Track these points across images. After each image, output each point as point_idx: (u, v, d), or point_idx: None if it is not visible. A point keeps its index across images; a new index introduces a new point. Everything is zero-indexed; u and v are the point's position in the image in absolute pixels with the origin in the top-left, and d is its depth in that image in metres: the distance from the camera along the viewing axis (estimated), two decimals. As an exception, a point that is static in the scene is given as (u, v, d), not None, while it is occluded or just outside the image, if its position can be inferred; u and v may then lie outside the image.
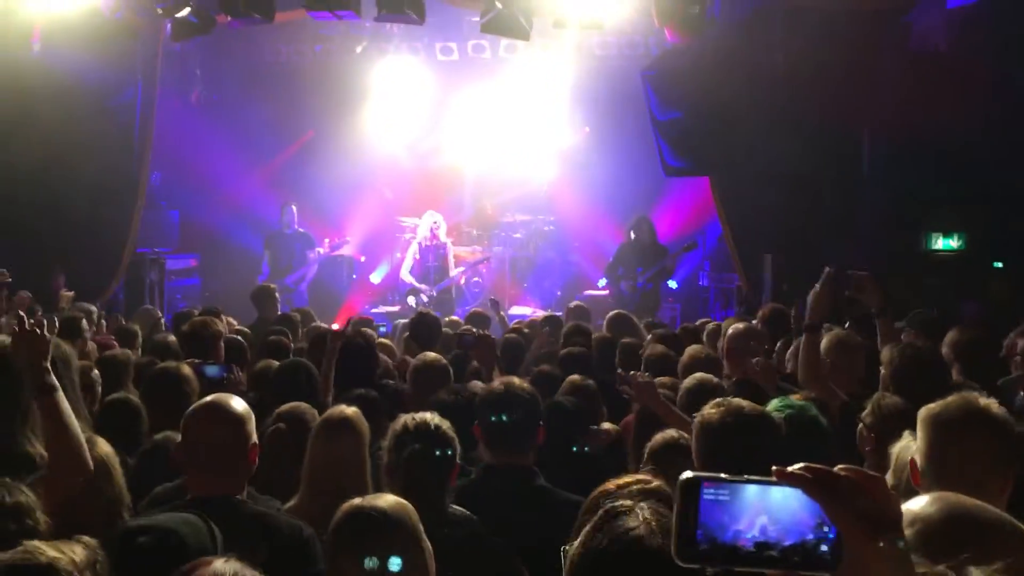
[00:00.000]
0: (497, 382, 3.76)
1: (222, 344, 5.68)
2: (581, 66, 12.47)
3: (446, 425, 3.14)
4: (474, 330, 6.35)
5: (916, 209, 9.59)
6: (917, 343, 4.43)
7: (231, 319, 7.67)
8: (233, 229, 13.13)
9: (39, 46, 9.62)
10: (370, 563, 2.12)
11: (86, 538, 1.91)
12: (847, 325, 5.66)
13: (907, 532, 1.20)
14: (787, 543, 1.16)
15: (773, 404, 3.38)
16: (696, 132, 10.17)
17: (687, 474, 1.21)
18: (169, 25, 9.83)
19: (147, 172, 10.62)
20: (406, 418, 3.16)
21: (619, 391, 4.50)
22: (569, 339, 6.28)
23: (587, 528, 1.68)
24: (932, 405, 2.54)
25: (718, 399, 2.88)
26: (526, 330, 7.39)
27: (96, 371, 4.79)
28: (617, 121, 12.52)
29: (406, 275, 11.90)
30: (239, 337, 6.31)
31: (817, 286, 4.61)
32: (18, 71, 9.44)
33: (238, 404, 2.96)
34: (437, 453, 3.05)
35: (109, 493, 3.00)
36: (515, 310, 12.17)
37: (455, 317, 9.11)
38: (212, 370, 4.87)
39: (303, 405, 3.86)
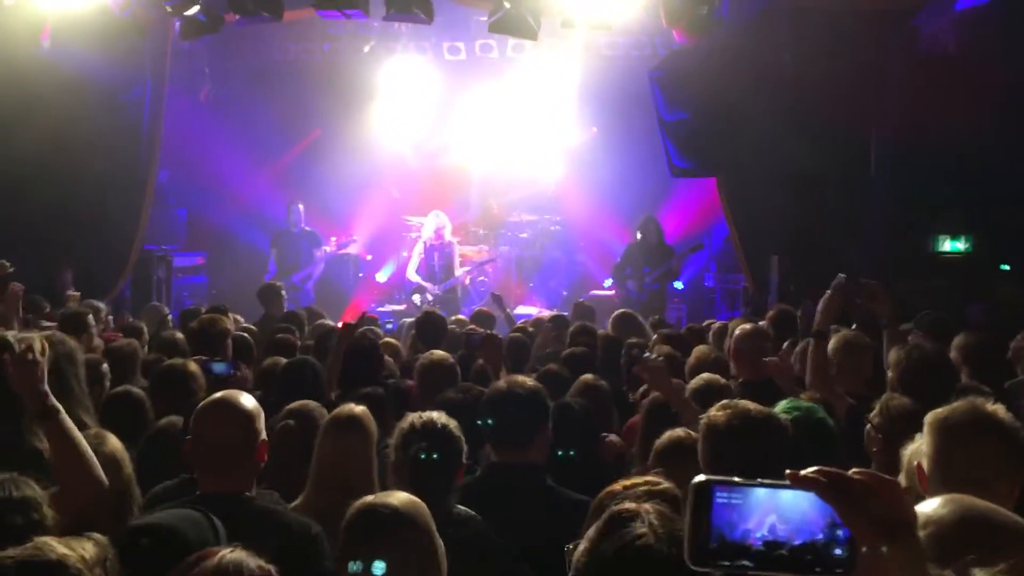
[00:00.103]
0: (502, 380, 3.76)
1: (229, 341, 5.70)
2: (588, 66, 12.46)
3: (453, 425, 3.14)
4: (480, 330, 6.36)
5: (923, 211, 9.57)
6: (924, 345, 4.42)
7: (238, 316, 7.69)
8: (240, 227, 13.16)
9: (49, 43, 9.62)
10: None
11: (96, 535, 1.92)
12: (853, 327, 5.64)
13: (920, 535, 1.20)
14: (797, 543, 1.16)
15: (781, 406, 3.37)
16: (703, 133, 10.15)
17: (699, 478, 1.21)
18: (178, 23, 9.84)
19: (155, 170, 10.63)
20: (413, 417, 3.17)
21: (635, 372, 4.49)
22: (575, 339, 6.28)
23: (592, 532, 1.67)
24: (939, 410, 2.54)
25: (724, 401, 2.87)
26: (531, 329, 7.39)
27: (105, 364, 4.81)
28: (624, 121, 12.51)
29: (412, 274, 11.91)
30: (246, 335, 6.32)
31: (829, 292, 4.61)
32: (28, 68, 9.46)
33: (248, 401, 2.96)
34: (443, 453, 3.06)
35: (118, 489, 3.00)
36: (521, 310, 12.17)
37: (461, 316, 9.12)
38: (219, 367, 4.89)
39: (312, 403, 3.87)
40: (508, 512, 3.14)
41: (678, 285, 11.81)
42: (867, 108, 9.38)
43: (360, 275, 13.36)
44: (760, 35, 9.43)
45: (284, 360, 5.18)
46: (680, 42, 9.91)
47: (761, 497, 1.17)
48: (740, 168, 9.95)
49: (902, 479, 2.65)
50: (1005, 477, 2.40)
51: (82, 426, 3.41)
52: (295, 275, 11.48)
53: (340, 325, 6.01)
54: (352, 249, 12.91)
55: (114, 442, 3.10)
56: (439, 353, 5.05)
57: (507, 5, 9.10)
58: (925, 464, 2.46)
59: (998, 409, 2.54)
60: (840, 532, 1.15)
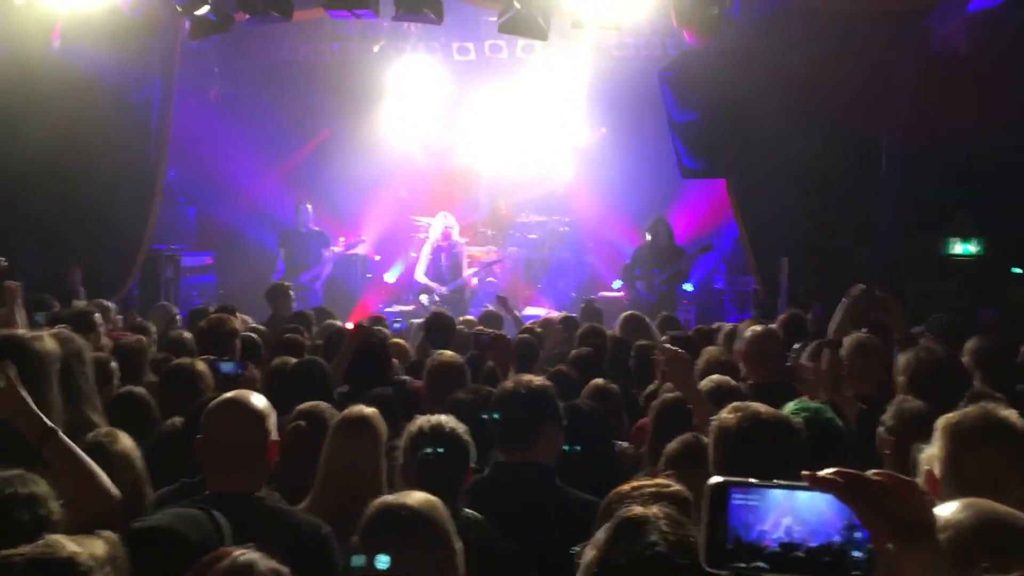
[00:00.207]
0: (509, 380, 3.76)
1: (237, 341, 5.70)
2: (598, 67, 12.43)
3: (461, 429, 3.14)
4: (489, 330, 6.35)
5: (934, 213, 9.53)
6: (934, 348, 4.40)
7: (246, 317, 7.69)
8: (249, 227, 13.18)
9: (59, 43, 9.66)
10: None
11: (107, 533, 1.92)
12: (864, 330, 5.62)
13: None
14: (813, 544, 1.15)
15: (789, 407, 3.36)
16: (713, 134, 10.13)
17: (716, 479, 1.20)
18: (187, 23, 9.87)
19: (164, 169, 10.67)
20: (422, 420, 3.17)
21: (654, 361, 4.48)
22: (583, 340, 6.27)
23: (602, 538, 1.65)
24: (950, 415, 2.53)
25: (736, 403, 2.86)
26: (539, 329, 7.37)
27: (114, 363, 4.81)
28: (634, 122, 12.49)
29: (420, 276, 11.92)
30: (254, 335, 6.32)
31: (845, 302, 4.60)
32: (38, 67, 9.50)
33: (258, 401, 2.95)
34: (451, 456, 3.05)
35: (130, 487, 2.99)
36: (529, 311, 12.15)
37: (470, 317, 9.11)
38: (227, 367, 4.88)
39: (322, 404, 3.86)
40: (515, 512, 3.13)
41: (687, 287, 11.78)
42: (878, 109, 9.34)
43: (368, 275, 13.36)
44: (771, 36, 9.40)
45: (292, 360, 5.17)
46: (690, 42, 9.88)
47: (778, 498, 1.16)
48: (750, 169, 9.92)
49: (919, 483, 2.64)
50: (1017, 482, 2.38)
51: (91, 425, 3.41)
52: (303, 275, 11.50)
53: (351, 326, 6.02)
54: (360, 249, 12.92)
55: (125, 440, 3.10)
56: (448, 354, 5.04)
57: (517, 5, 9.10)
58: (936, 469, 2.45)
59: (1010, 414, 2.53)
60: (858, 534, 1.14)
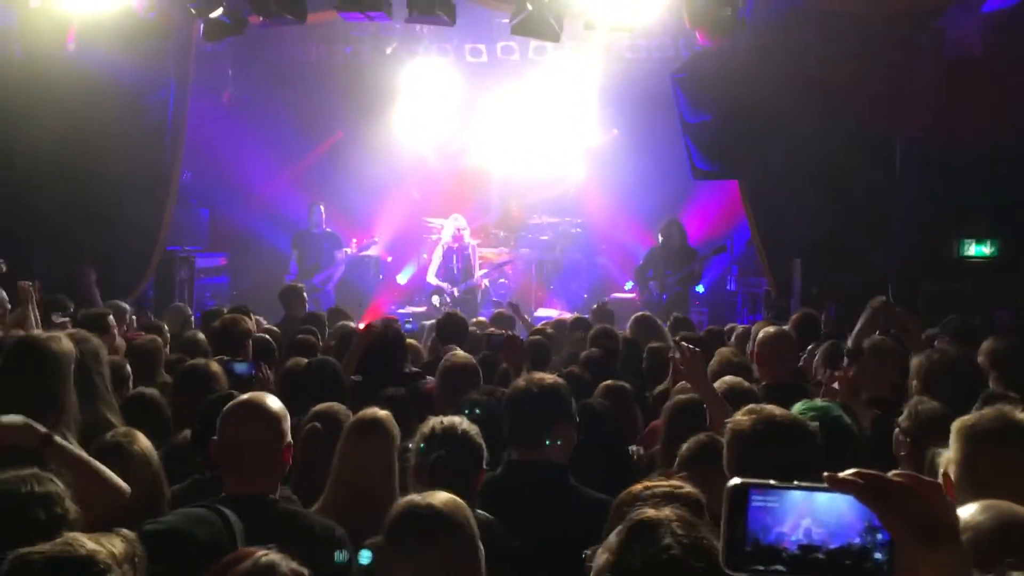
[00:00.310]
0: (521, 378, 3.76)
1: (251, 342, 5.72)
2: (610, 68, 12.43)
3: (474, 430, 3.14)
4: (502, 331, 6.36)
5: (949, 215, 9.48)
6: (947, 349, 4.38)
7: (260, 318, 7.72)
8: (262, 228, 13.23)
9: (74, 46, 9.72)
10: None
11: (125, 531, 1.92)
12: (877, 333, 5.61)
13: None
14: (833, 547, 1.14)
15: (796, 408, 3.35)
16: (726, 135, 10.10)
17: (735, 481, 1.19)
18: (202, 25, 9.91)
19: (179, 170, 10.70)
20: (434, 421, 3.17)
21: (670, 358, 4.47)
22: (595, 341, 6.26)
23: (614, 541, 1.64)
24: (966, 417, 2.51)
25: (750, 406, 2.85)
26: (550, 330, 7.38)
27: (128, 366, 4.83)
28: (646, 123, 12.47)
29: (432, 278, 11.94)
30: (268, 336, 6.34)
31: (866, 314, 4.60)
32: (53, 70, 9.56)
33: (274, 403, 2.95)
34: (463, 457, 3.05)
35: (147, 487, 3.01)
36: (541, 312, 12.16)
37: (481, 318, 9.12)
38: (241, 367, 4.90)
39: (337, 405, 3.87)
40: (527, 510, 3.13)
41: (700, 289, 11.76)
42: (893, 110, 9.29)
43: (380, 277, 13.39)
44: (785, 37, 9.36)
45: (305, 361, 5.18)
46: (703, 43, 9.86)
47: (797, 500, 1.16)
48: (763, 171, 9.89)
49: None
50: None
51: (108, 425, 3.43)
52: (316, 276, 11.53)
53: (362, 326, 6.04)
54: (373, 251, 12.94)
55: (143, 441, 3.11)
56: (461, 354, 5.05)
57: (529, 7, 9.10)
58: (952, 471, 2.44)
59: (1029, 416, 2.51)
60: (879, 536, 1.13)
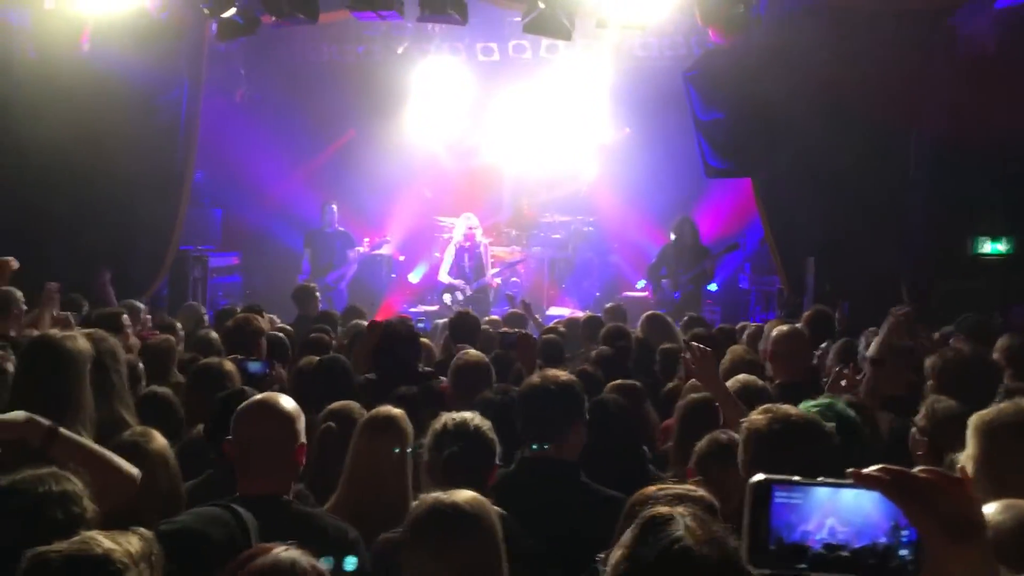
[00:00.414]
0: (535, 375, 3.75)
1: (264, 341, 5.74)
2: (622, 66, 12.41)
3: (486, 426, 3.14)
4: (515, 330, 6.36)
5: (963, 212, 9.43)
6: (961, 348, 4.36)
7: (273, 316, 7.74)
8: (275, 227, 13.26)
9: (87, 46, 9.76)
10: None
11: (142, 529, 1.93)
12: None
13: None
14: (857, 545, 1.13)
15: (802, 406, 3.34)
16: (739, 133, 10.06)
17: (758, 477, 1.19)
18: (215, 25, 9.94)
19: (192, 170, 10.74)
20: (447, 418, 3.17)
21: (681, 359, 4.45)
22: (607, 340, 6.26)
23: (628, 538, 1.65)
24: (984, 412, 2.49)
25: (766, 405, 2.84)
26: (562, 328, 7.37)
27: (141, 365, 4.85)
28: (658, 122, 12.42)
29: (444, 276, 11.95)
30: (281, 335, 6.36)
31: (888, 324, 4.58)
32: (67, 70, 9.60)
33: (288, 403, 2.95)
34: (475, 454, 3.05)
35: (164, 485, 3.02)
36: (553, 311, 12.15)
37: (494, 316, 9.13)
38: (254, 366, 4.92)
39: (352, 404, 3.87)
40: (540, 508, 3.13)
41: (712, 287, 11.73)
42: (906, 108, 9.25)
43: (393, 276, 13.41)
44: (797, 34, 9.31)
45: (317, 359, 5.20)
46: (715, 41, 9.83)
47: (821, 497, 1.15)
48: (776, 168, 9.85)
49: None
50: None
51: (124, 424, 3.45)
52: (328, 275, 11.56)
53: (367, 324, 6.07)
54: (385, 250, 12.96)
55: (160, 440, 3.12)
56: (474, 353, 5.04)
57: (541, 5, 9.09)
58: (969, 467, 2.42)
59: (1048, 411, 2.48)
60: (904, 534, 1.12)
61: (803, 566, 1.14)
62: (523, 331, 6.39)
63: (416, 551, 2.29)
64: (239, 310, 7.13)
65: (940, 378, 3.94)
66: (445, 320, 8.01)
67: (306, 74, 13.17)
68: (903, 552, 1.12)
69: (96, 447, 2.82)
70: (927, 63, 9.20)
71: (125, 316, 6.26)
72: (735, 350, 5.31)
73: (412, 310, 12.13)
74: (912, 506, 1.10)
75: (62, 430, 2.75)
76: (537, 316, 9.26)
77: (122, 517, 2.16)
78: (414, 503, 2.45)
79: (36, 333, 4.42)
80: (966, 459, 2.46)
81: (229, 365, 4.50)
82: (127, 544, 1.84)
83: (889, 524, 1.13)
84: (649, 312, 7.66)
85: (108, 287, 9.47)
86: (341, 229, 12.02)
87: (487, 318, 8.48)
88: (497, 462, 3.16)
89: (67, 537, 1.88)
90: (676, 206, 12.07)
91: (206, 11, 9.57)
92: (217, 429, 3.19)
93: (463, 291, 11.70)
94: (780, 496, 1.16)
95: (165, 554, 1.97)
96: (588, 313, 9.05)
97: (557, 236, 13.46)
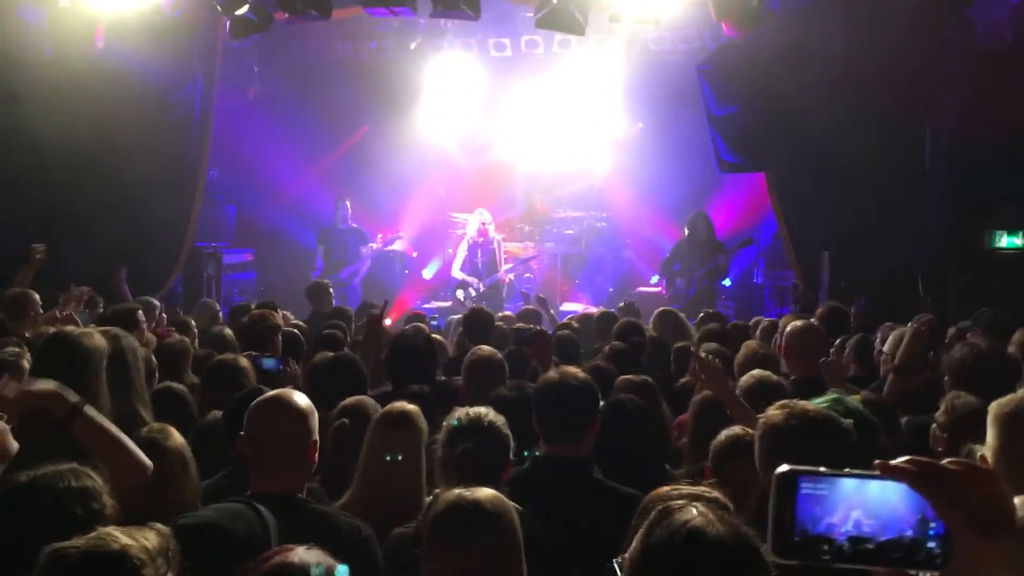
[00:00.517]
0: (553, 372, 3.74)
1: (279, 337, 5.75)
2: (635, 61, 12.38)
3: (500, 421, 3.13)
4: (530, 326, 6.35)
5: (979, 206, 9.35)
6: (977, 343, 4.33)
7: (287, 313, 7.76)
8: (288, 224, 13.31)
9: (102, 44, 9.81)
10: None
11: (159, 525, 1.94)
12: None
13: None
14: (883, 538, 1.12)
15: (814, 403, 3.32)
16: (753, 127, 10.01)
17: (783, 468, 1.18)
18: (228, 22, 9.96)
19: (205, 167, 10.77)
20: (460, 413, 3.16)
21: (689, 371, 4.44)
22: (620, 335, 6.24)
23: (642, 529, 1.67)
24: (1002, 400, 2.47)
25: (783, 401, 2.82)
26: (576, 324, 7.36)
27: (154, 359, 4.87)
28: (671, 116, 12.39)
29: (457, 272, 11.95)
30: (296, 331, 6.38)
31: (910, 332, 4.56)
32: (82, 68, 9.64)
33: (301, 400, 2.94)
34: (489, 449, 3.04)
35: (182, 482, 3.03)
36: (566, 307, 12.15)
37: (508, 312, 9.12)
38: (269, 362, 4.93)
39: (367, 400, 3.87)
40: (555, 504, 3.12)
41: (726, 282, 11.69)
42: (922, 101, 9.18)
43: (406, 272, 13.44)
44: (811, 27, 9.26)
45: (331, 355, 5.20)
46: (729, 35, 9.79)
47: (847, 489, 1.14)
48: (790, 163, 9.80)
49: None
50: None
51: (141, 421, 3.46)
52: (342, 272, 11.59)
53: (389, 322, 6.05)
54: (398, 246, 12.99)
55: (177, 437, 3.13)
56: (487, 349, 5.02)
57: (554, 0, 9.07)
58: (989, 457, 2.39)
59: (1066, 399, 2.46)
60: (932, 527, 1.11)
61: (827, 558, 1.13)
62: (538, 327, 6.37)
63: (436, 548, 2.29)
64: (253, 307, 7.15)
65: (957, 374, 3.92)
66: (459, 316, 8.02)
67: (319, 71, 13.19)
68: (931, 545, 1.11)
69: (116, 431, 2.86)
70: (943, 55, 9.13)
71: (140, 312, 6.29)
72: (749, 344, 5.29)
73: (425, 306, 12.14)
74: (940, 498, 1.09)
75: (87, 408, 2.83)
76: (552, 312, 9.24)
77: (139, 512, 2.17)
78: (430, 499, 2.45)
79: (54, 329, 4.44)
80: (987, 449, 2.44)
81: (244, 361, 4.52)
82: (144, 540, 1.85)
83: (916, 517, 1.12)
84: (661, 308, 7.65)
85: (124, 284, 9.52)
86: (354, 226, 12.04)
87: (500, 314, 8.48)
88: (511, 458, 3.16)
89: (86, 533, 1.89)
90: (690, 201, 12.04)
91: (219, 8, 9.59)
92: (232, 427, 3.19)
93: (476, 287, 11.70)
94: (806, 487, 1.15)
95: (186, 547, 1.97)
96: (602, 309, 9.04)
97: (570, 232, 13.44)
